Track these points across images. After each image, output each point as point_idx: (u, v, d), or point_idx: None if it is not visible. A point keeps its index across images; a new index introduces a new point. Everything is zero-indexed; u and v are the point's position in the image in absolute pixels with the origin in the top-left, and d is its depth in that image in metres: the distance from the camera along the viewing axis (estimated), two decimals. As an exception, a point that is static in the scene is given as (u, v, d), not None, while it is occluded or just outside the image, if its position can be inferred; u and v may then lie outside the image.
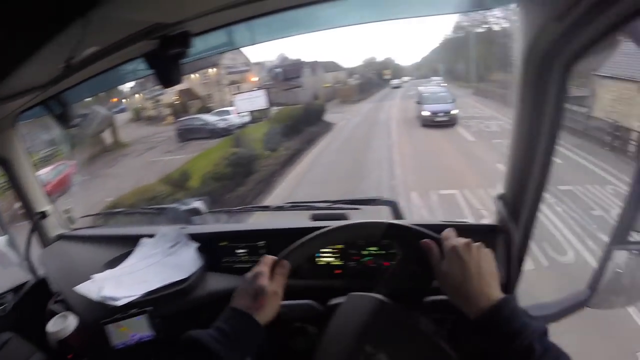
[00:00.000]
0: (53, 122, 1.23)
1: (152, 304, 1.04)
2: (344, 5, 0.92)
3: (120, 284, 1.13)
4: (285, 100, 18.80)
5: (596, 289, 0.89)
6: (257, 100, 13.24)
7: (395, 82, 30.11)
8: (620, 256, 0.83)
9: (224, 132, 13.69)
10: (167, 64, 0.89)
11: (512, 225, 0.95)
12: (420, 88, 17.45)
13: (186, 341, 0.66)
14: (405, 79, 30.38)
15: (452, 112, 12.58)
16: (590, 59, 0.72)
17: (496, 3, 0.89)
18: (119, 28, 0.74)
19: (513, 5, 0.81)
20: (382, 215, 1.26)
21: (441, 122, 12.27)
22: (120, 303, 1.04)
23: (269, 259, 0.77)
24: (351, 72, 29.18)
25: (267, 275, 0.74)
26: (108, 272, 1.19)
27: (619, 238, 0.84)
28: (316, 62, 25.63)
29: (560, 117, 0.82)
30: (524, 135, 0.88)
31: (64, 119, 1.23)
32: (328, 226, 0.82)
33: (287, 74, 23.10)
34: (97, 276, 1.16)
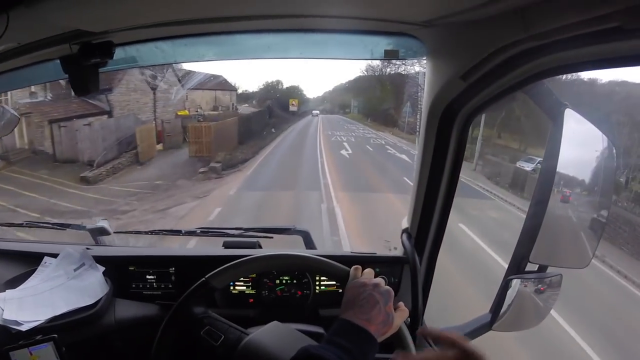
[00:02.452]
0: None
1: (57, 330, 0.98)
2: (266, 39, 0.96)
3: (23, 306, 1.05)
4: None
5: (497, 314, 1.00)
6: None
7: (315, 112, 26.77)
8: (517, 284, 0.96)
9: None
10: (84, 71, 0.86)
11: (416, 257, 1.05)
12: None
13: (305, 356, 0.63)
14: (315, 112, 27.09)
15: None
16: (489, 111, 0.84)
17: (408, 55, 0.96)
18: (42, 29, 0.73)
19: (423, 59, 0.91)
20: (295, 244, 1.33)
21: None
22: (24, 328, 0.97)
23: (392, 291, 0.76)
24: (246, 96, 21.28)
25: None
26: (9, 292, 1.10)
27: (516, 268, 0.97)
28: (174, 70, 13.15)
29: (460, 160, 0.95)
30: (426, 175, 0.99)
31: None
32: (240, 255, 0.87)
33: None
34: None
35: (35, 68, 1.03)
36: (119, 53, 0.89)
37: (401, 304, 0.77)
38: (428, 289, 1.12)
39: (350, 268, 0.81)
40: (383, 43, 0.95)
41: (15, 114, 1.25)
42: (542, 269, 0.97)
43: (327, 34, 0.95)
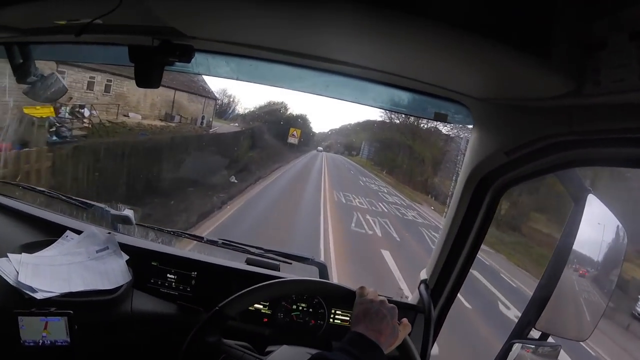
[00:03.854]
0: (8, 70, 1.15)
1: (72, 307, 0.99)
2: (324, 78, 1.04)
3: (38, 273, 1.06)
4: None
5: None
6: None
7: (320, 148, 24.59)
8: (517, 349, 1.02)
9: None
10: (153, 65, 0.91)
11: (432, 308, 1.13)
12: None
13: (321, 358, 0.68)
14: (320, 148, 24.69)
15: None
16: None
17: (455, 120, 1.05)
18: (142, 16, 0.75)
19: (468, 127, 1.01)
20: (311, 274, 1.33)
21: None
22: (39, 296, 0.99)
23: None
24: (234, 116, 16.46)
25: None
26: (25, 256, 1.11)
27: (519, 332, 1.03)
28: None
29: (486, 227, 1.04)
30: (453, 235, 1.08)
31: (21, 71, 1.17)
32: (262, 273, 0.91)
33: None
34: (13, 257, 1.08)
35: (103, 48, 1.09)
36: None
37: (404, 319, 0.85)
38: (436, 336, 1.17)
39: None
40: (434, 105, 1.04)
41: (66, 85, 1.30)
42: (543, 337, 1.03)
43: (381, 85, 1.03)
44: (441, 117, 1.05)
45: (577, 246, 0.96)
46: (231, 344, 0.92)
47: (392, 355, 0.84)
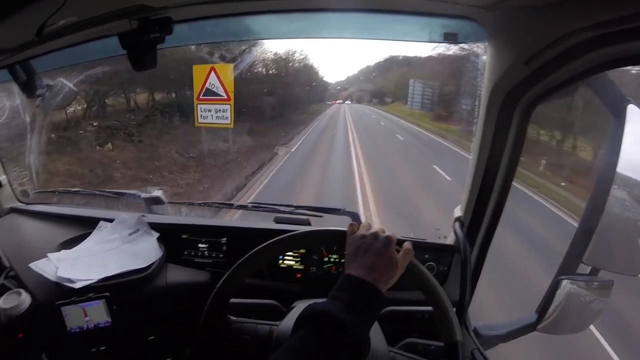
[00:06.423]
0: (17, 89, 1.23)
1: (109, 290, 1.07)
2: (320, 18, 0.99)
3: (77, 266, 1.15)
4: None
5: (544, 315, 0.99)
6: None
7: (348, 102, 22.28)
8: (567, 286, 0.95)
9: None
10: (142, 47, 0.91)
11: (468, 247, 1.06)
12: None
13: (311, 313, 0.64)
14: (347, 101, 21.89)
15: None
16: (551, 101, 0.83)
17: (467, 39, 0.97)
18: (102, 3, 0.76)
19: (483, 44, 0.91)
20: (344, 225, 1.32)
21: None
22: (77, 286, 1.07)
23: (393, 236, 0.77)
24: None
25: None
26: (64, 253, 1.21)
27: (567, 268, 0.96)
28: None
29: (519, 151, 0.94)
30: (483, 164, 0.99)
31: (28, 87, 1.24)
32: (290, 230, 0.88)
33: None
34: (53, 255, 1.18)
35: (94, 44, 1.09)
36: (178, 30, 0.92)
37: (406, 243, 0.76)
38: (476, 280, 1.11)
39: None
40: (441, 25, 0.95)
41: (74, 88, 1.36)
42: (593, 272, 0.96)
43: (382, 14, 0.95)
44: (451, 37, 0.96)
45: (621, 167, 0.87)
46: (242, 320, 0.91)
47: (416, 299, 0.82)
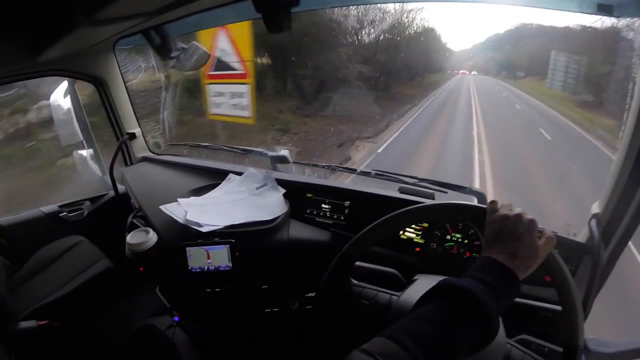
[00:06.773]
0: (151, 52, 1.32)
1: (234, 237, 1.11)
2: None
3: (204, 212, 1.23)
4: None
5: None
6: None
7: (474, 72, 19.24)
8: None
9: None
10: (276, 9, 0.89)
11: (602, 247, 0.92)
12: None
13: (453, 288, 0.62)
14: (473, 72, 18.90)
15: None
16: None
17: (624, 13, 0.80)
18: None
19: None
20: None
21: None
22: (204, 230, 1.14)
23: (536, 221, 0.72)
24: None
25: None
26: (193, 199, 1.30)
27: None
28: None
29: None
30: (631, 162, 0.85)
31: (162, 50, 1.34)
32: (414, 201, 0.80)
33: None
34: (183, 200, 1.27)
35: (226, 8, 1.12)
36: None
37: (547, 231, 0.69)
38: (601, 286, 0.97)
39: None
40: None
41: (206, 51, 1.42)
42: None
43: None
44: (605, 9, 0.80)
45: None
46: (363, 285, 0.90)
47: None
